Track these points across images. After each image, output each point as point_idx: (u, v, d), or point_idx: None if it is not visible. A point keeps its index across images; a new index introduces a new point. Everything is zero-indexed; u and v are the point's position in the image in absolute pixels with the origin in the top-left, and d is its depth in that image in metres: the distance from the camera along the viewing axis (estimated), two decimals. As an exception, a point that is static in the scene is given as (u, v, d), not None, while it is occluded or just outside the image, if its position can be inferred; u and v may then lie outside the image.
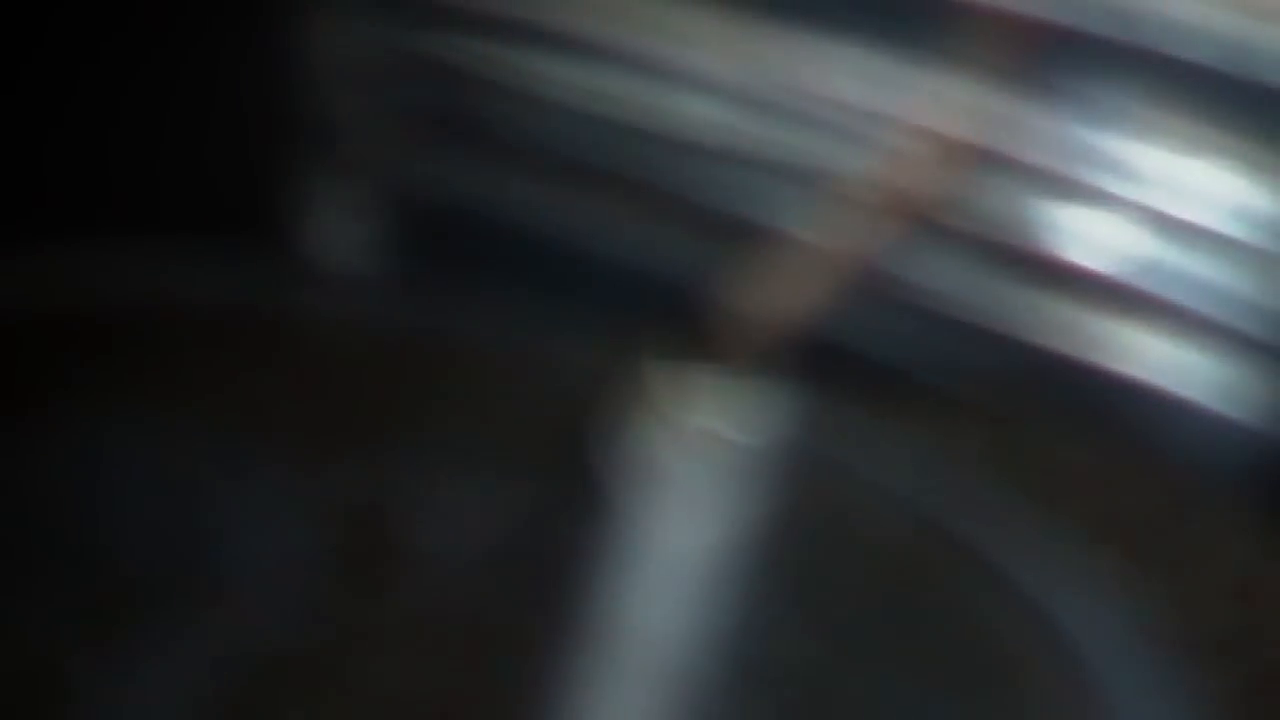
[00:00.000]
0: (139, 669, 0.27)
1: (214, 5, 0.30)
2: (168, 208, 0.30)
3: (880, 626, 0.25)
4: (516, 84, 0.28)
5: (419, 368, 0.26)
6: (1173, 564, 0.41)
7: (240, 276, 0.27)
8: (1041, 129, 0.27)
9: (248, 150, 0.29)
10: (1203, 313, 0.28)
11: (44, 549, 0.27)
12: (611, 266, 0.28)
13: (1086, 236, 0.27)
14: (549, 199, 0.28)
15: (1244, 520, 0.31)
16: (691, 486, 0.24)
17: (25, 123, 0.30)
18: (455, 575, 0.27)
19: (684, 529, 0.24)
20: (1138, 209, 0.27)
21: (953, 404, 0.29)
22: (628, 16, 0.27)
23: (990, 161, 0.27)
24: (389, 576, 0.28)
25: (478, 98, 0.28)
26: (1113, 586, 0.26)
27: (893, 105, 0.26)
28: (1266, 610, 0.45)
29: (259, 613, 0.27)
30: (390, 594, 0.29)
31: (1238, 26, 0.28)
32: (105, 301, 0.26)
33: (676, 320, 0.24)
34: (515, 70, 0.28)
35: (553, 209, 0.28)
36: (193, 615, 0.28)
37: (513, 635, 0.27)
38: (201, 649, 0.28)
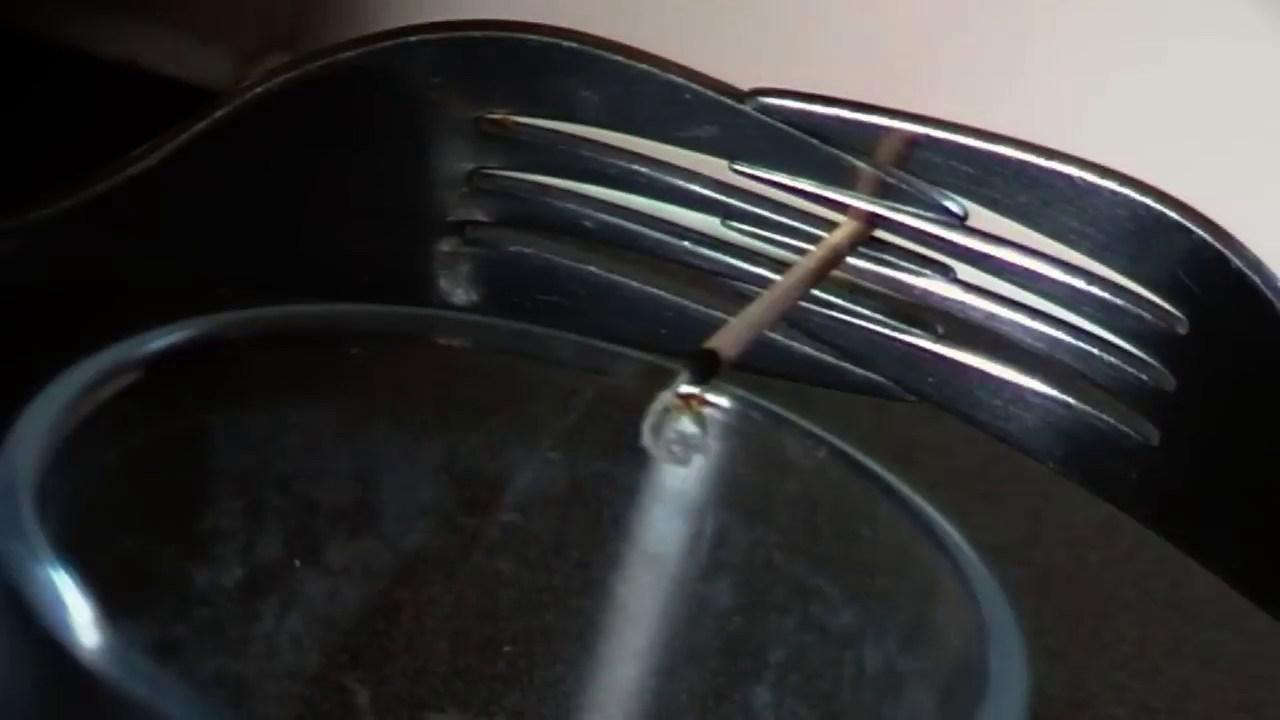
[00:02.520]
0: (328, 557, 0.34)
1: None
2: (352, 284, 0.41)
3: (806, 519, 0.34)
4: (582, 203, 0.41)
5: (513, 377, 0.35)
6: (985, 498, 0.55)
7: (396, 317, 0.34)
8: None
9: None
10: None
11: (275, 486, 0.33)
12: (650, 317, 0.41)
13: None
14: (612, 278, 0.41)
15: (1034, 470, 0.42)
16: (697, 441, 0.34)
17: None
18: (539, 503, 0.34)
19: (693, 466, 0.34)
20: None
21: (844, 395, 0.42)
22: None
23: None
24: (491, 507, 0.34)
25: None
26: (941, 505, 0.33)
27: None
28: (1050, 528, 0.58)
29: (405, 528, 0.34)
30: (493, 518, 0.34)
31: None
32: (307, 331, 0.33)
33: (687, 348, 0.35)
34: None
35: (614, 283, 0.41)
36: (364, 527, 0.34)
37: (577, 541, 0.35)
38: (367, 548, 0.34)
